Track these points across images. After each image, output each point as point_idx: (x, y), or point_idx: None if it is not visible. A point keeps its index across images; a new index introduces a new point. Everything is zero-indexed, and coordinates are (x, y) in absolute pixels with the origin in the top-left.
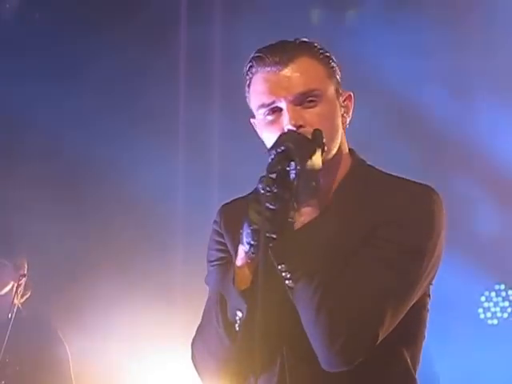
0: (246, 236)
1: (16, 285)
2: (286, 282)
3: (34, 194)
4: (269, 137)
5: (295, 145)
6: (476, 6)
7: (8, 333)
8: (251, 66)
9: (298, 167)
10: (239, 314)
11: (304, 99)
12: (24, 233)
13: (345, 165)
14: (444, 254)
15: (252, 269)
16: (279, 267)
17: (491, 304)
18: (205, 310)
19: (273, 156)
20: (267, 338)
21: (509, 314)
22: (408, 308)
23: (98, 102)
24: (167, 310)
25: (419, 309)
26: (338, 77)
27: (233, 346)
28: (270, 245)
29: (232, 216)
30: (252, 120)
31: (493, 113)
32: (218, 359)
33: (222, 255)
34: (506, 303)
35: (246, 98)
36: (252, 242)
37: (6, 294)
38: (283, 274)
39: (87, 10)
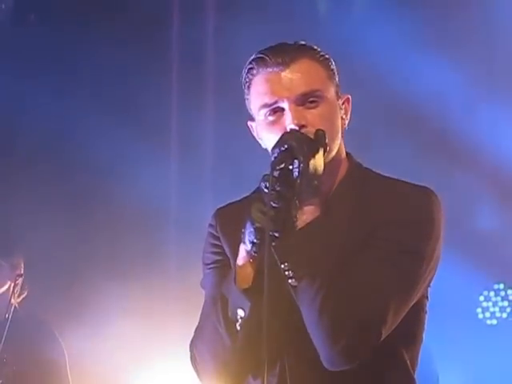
0: (248, 235)
1: (13, 285)
2: (289, 280)
3: (32, 194)
4: (270, 137)
5: (298, 143)
6: (476, 4)
7: (5, 332)
8: (251, 68)
9: (302, 165)
10: (241, 313)
11: (306, 99)
12: (21, 233)
13: (343, 167)
14: (443, 253)
15: (254, 268)
16: (282, 266)
17: (490, 304)
18: (202, 312)
19: (276, 154)
20: (268, 338)
21: (508, 313)
22: (409, 306)
23: (91, 102)
24: (167, 309)
25: (418, 310)
26: (337, 79)
27: (233, 346)
28: (273, 243)
29: (228, 219)
30: (250, 123)
31: (493, 111)
32: (219, 360)
33: (218, 258)
34: (505, 303)
35: (244, 100)
36: (255, 241)
37: (3, 293)
38: (286, 272)
39: (83, 11)
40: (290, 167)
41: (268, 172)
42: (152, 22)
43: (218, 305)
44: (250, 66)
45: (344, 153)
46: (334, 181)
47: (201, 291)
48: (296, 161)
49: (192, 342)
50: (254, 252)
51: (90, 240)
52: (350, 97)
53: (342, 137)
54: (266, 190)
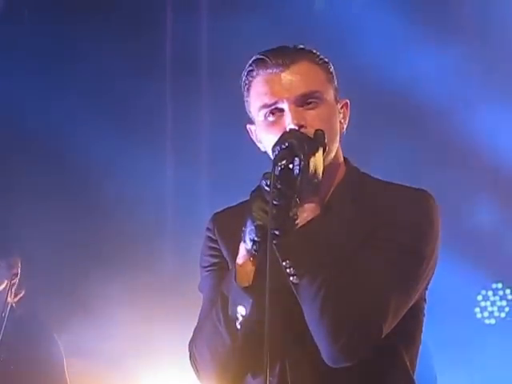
0: (249, 233)
1: (9, 284)
2: (290, 278)
3: (30, 194)
4: (269, 138)
5: (299, 141)
6: (476, 4)
7: (2, 332)
8: (251, 70)
9: (302, 163)
10: (241, 311)
11: (305, 101)
12: (19, 232)
13: (340, 171)
14: (441, 253)
15: (254, 266)
16: (283, 263)
17: (488, 303)
18: (201, 314)
19: (277, 152)
20: (269, 337)
21: (506, 313)
22: (409, 305)
23: (86, 102)
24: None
25: (416, 312)
26: (335, 83)
27: (233, 345)
28: (274, 241)
29: (225, 223)
30: (248, 126)
31: (493, 112)
32: (218, 359)
33: (216, 261)
34: (504, 302)
35: (241, 101)
36: (255, 239)
37: (0, 293)
38: (287, 270)
39: (75, 11)
40: (291, 166)
41: (268, 170)
42: (145, 22)
43: (217, 304)
44: (250, 68)
45: (341, 157)
46: (332, 184)
47: (199, 294)
48: (296, 158)
49: (191, 341)
50: (255, 250)
51: (91, 240)
52: (348, 102)
53: (339, 141)
54: (266, 188)
